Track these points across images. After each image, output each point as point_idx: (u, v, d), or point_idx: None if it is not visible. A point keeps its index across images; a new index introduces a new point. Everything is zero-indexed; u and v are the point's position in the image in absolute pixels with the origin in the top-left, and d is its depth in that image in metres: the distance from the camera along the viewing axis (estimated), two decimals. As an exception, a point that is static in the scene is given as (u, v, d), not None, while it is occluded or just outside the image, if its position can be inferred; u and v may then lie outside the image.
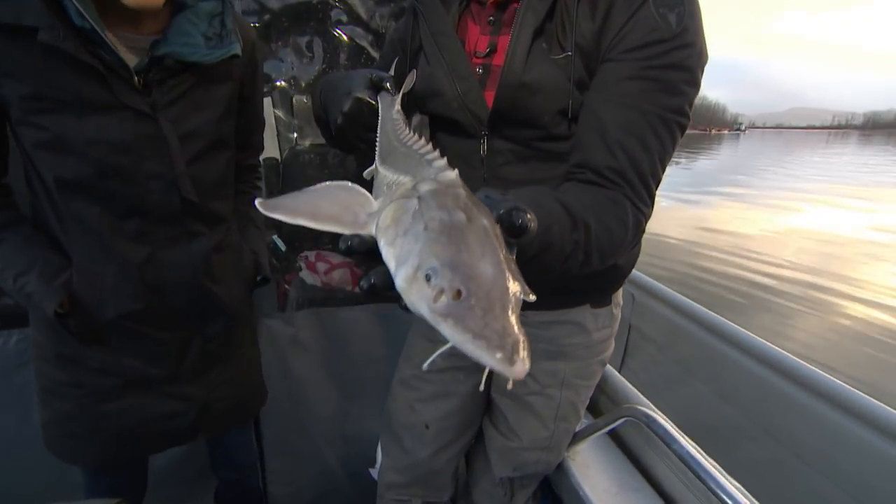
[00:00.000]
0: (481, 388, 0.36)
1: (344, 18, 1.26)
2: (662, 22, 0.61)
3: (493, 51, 0.74)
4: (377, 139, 0.63)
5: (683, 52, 0.62)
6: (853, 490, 1.08)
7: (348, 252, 0.37)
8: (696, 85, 0.65)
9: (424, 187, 0.36)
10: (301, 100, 2.32)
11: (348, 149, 0.77)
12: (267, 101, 2.52)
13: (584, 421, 1.04)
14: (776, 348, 1.29)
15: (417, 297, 0.30)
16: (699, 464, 0.72)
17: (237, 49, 0.78)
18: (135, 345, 0.85)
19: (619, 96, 0.63)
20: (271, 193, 2.03)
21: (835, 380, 1.13)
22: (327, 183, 0.45)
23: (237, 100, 0.86)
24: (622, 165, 0.63)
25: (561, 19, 0.67)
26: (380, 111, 0.67)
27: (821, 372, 1.17)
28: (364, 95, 0.66)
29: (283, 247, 1.50)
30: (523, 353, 0.27)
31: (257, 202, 0.40)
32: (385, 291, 0.33)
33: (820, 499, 1.13)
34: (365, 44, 1.30)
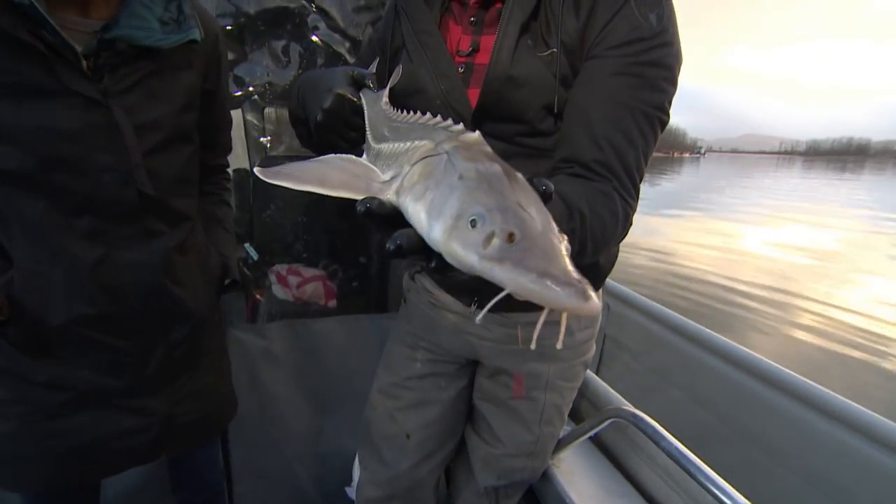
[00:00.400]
0: (531, 345, 0.32)
1: (321, 24, 1.26)
2: (644, 21, 0.63)
3: (475, 49, 0.75)
4: (367, 132, 0.63)
5: (663, 51, 0.64)
6: (828, 489, 1.09)
7: (367, 215, 0.34)
8: (674, 84, 0.67)
9: (449, 144, 0.35)
10: (272, 112, 2.30)
11: (326, 148, 0.76)
12: (236, 112, 2.50)
13: (566, 427, 1.03)
14: (751, 352, 1.31)
15: (462, 245, 0.28)
16: (689, 460, 0.71)
17: (196, 34, 0.75)
18: (88, 354, 0.78)
19: (604, 92, 0.65)
20: (241, 206, 1.97)
21: (808, 381, 1.16)
22: (331, 155, 0.44)
23: (199, 92, 0.83)
24: (609, 159, 0.64)
25: (545, 17, 0.68)
26: (364, 107, 0.66)
27: (794, 374, 1.20)
28: (346, 91, 0.65)
29: (255, 255, 1.44)
30: (591, 290, 0.26)
31: (256, 169, 0.38)
32: (411, 251, 0.32)
33: (796, 500, 1.14)
34: (342, 50, 1.30)
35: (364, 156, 0.64)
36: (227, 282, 0.96)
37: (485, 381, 0.97)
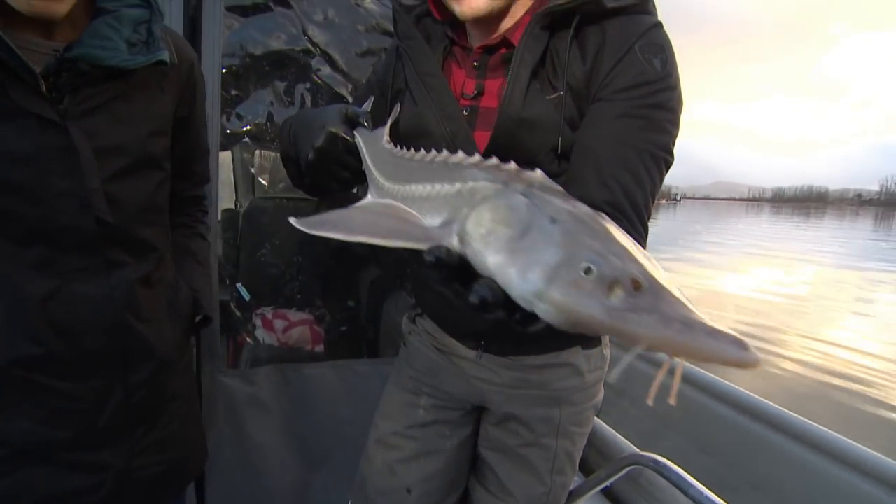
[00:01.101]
0: (613, 378, 0.30)
1: (324, 67, 1.28)
2: (649, 66, 0.65)
3: (480, 93, 0.75)
4: (371, 172, 0.61)
5: (668, 94, 0.66)
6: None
7: (437, 266, 0.32)
8: (678, 126, 0.68)
9: (521, 184, 0.33)
10: (262, 154, 2.31)
11: (317, 188, 0.74)
12: (227, 154, 2.50)
13: (575, 478, 0.97)
14: (755, 396, 1.30)
15: (577, 297, 0.25)
16: (718, 507, 0.67)
17: (165, 56, 0.72)
18: (31, 401, 0.69)
19: (612, 133, 0.66)
20: (232, 245, 1.93)
21: (816, 425, 1.14)
22: (363, 201, 0.42)
23: (171, 119, 0.80)
24: (619, 199, 0.64)
25: (552, 62, 0.70)
26: (361, 147, 0.65)
27: (801, 418, 1.18)
28: (339, 130, 0.64)
29: (247, 296, 1.39)
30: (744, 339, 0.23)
31: (293, 220, 0.34)
32: (497, 305, 0.28)
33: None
34: (344, 92, 1.32)
35: (370, 197, 0.61)
36: (198, 319, 0.90)
37: (491, 427, 0.92)
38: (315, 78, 1.29)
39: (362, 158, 0.65)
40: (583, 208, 0.30)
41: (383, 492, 0.91)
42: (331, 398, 1.35)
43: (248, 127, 1.33)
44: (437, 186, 0.41)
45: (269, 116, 1.29)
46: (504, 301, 0.28)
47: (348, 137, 0.64)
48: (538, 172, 0.35)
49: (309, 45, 1.26)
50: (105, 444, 0.75)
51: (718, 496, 0.72)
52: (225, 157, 2.47)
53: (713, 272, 10.10)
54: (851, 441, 1.08)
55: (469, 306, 0.29)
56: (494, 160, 0.40)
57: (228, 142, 1.30)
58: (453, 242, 0.33)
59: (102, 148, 0.69)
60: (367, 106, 0.81)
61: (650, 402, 0.27)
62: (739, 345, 0.23)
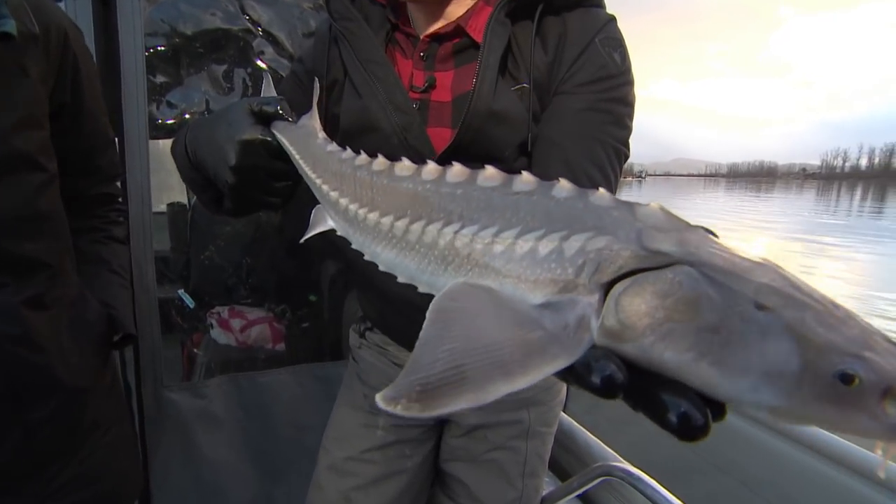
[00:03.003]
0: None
1: (268, 50, 1.16)
2: (609, 60, 0.64)
3: (431, 86, 0.69)
4: (321, 188, 0.48)
5: (627, 89, 0.65)
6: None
7: (611, 389, 0.23)
8: (632, 120, 0.67)
9: (667, 243, 0.24)
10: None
11: (245, 211, 0.60)
12: (170, 142, 2.31)
13: (546, 480, 0.95)
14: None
15: (841, 412, 0.20)
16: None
17: (10, 26, 0.58)
18: None
19: (577, 128, 0.64)
20: (177, 247, 1.78)
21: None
22: (437, 305, 0.27)
23: (45, 105, 0.66)
24: None
25: (513, 54, 0.66)
26: (287, 148, 0.52)
27: None
28: (255, 135, 0.51)
29: (191, 303, 1.28)
30: None
31: (383, 403, 0.22)
32: (707, 424, 0.21)
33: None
34: (291, 76, 1.20)
35: (329, 221, 0.49)
36: (116, 337, 0.79)
37: (455, 440, 0.88)
38: (257, 61, 1.17)
39: (297, 166, 0.52)
40: (769, 272, 0.23)
41: None
42: (290, 406, 1.28)
43: (187, 116, 1.20)
44: (499, 236, 0.29)
45: (207, 105, 1.16)
46: (708, 414, 0.22)
47: (268, 139, 0.52)
48: (657, 205, 0.27)
49: (249, 25, 1.13)
50: (5, 492, 0.65)
51: (688, 496, 0.70)
52: (167, 145, 2.29)
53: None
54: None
55: (656, 422, 0.22)
56: (530, 178, 0.30)
57: (161, 133, 1.16)
58: (597, 339, 0.24)
59: None
60: (268, 89, 0.68)
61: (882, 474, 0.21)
62: None
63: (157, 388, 1.10)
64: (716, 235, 0.27)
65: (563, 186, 0.29)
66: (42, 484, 0.68)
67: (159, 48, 1.07)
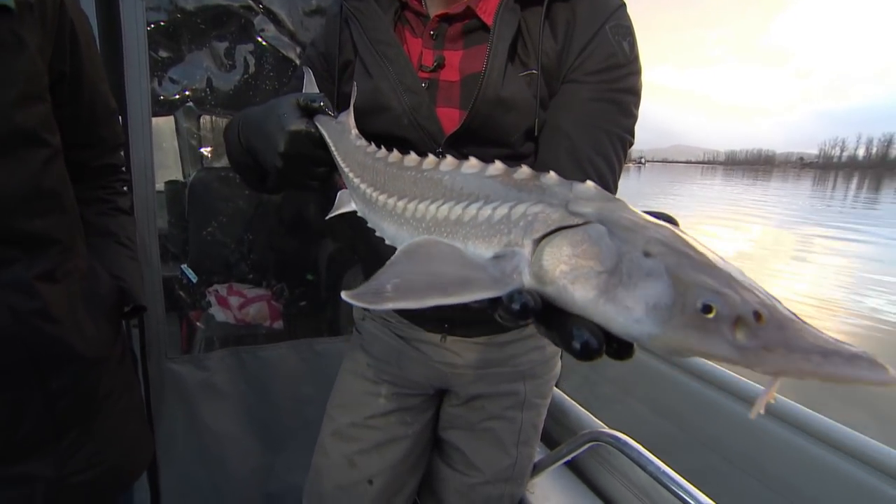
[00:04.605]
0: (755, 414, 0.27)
1: (269, 27, 1.15)
2: (618, 48, 0.64)
3: (440, 65, 0.70)
4: (348, 175, 0.56)
5: (635, 78, 0.66)
6: (781, 489, 1.14)
7: (523, 314, 0.28)
8: (638, 108, 0.69)
9: (588, 208, 0.30)
10: (209, 120, 2.13)
11: (286, 189, 0.69)
12: (169, 119, 2.29)
13: (538, 450, 0.99)
14: (707, 362, 1.36)
15: (702, 337, 0.24)
16: (676, 482, 0.69)
17: (8, 0, 0.57)
18: None
19: (584, 117, 0.65)
20: (176, 223, 1.80)
21: (760, 387, 1.20)
22: (406, 246, 0.36)
23: (45, 76, 0.65)
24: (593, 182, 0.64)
25: (523, 39, 0.67)
26: (327, 139, 0.60)
27: (747, 380, 1.25)
28: (301, 127, 0.58)
29: (194, 277, 1.30)
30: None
31: (345, 295, 0.30)
32: (601, 345, 0.27)
33: (756, 500, 1.18)
34: (292, 55, 1.19)
35: (353, 205, 0.58)
36: (126, 309, 0.80)
37: (453, 409, 0.91)
38: (258, 39, 1.17)
39: (332, 156, 0.60)
40: (665, 231, 0.28)
41: (342, 486, 0.88)
42: (290, 379, 1.31)
43: (187, 93, 1.20)
44: (468, 209, 0.37)
45: (209, 82, 1.16)
46: (605, 339, 0.27)
47: (312, 130, 0.59)
48: (590, 184, 0.33)
49: (250, 2, 1.13)
50: (29, 455, 0.68)
51: (673, 469, 0.75)
52: (168, 121, 2.28)
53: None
54: (795, 403, 1.15)
55: (565, 349, 0.28)
56: (501, 166, 0.38)
57: (163, 109, 1.16)
58: (527, 281, 0.30)
59: None
60: (310, 84, 0.74)
61: (753, 416, 0.27)
62: (878, 367, 0.23)
63: (162, 360, 1.13)
64: (676, 223, 0.31)
65: (524, 171, 0.36)
66: (60, 450, 0.71)
67: (161, 22, 1.07)
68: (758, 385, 1.21)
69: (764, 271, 7.56)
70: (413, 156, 0.46)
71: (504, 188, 0.35)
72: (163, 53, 1.10)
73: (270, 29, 1.16)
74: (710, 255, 0.27)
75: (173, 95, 1.15)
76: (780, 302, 0.25)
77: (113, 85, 0.97)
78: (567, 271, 0.28)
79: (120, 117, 0.99)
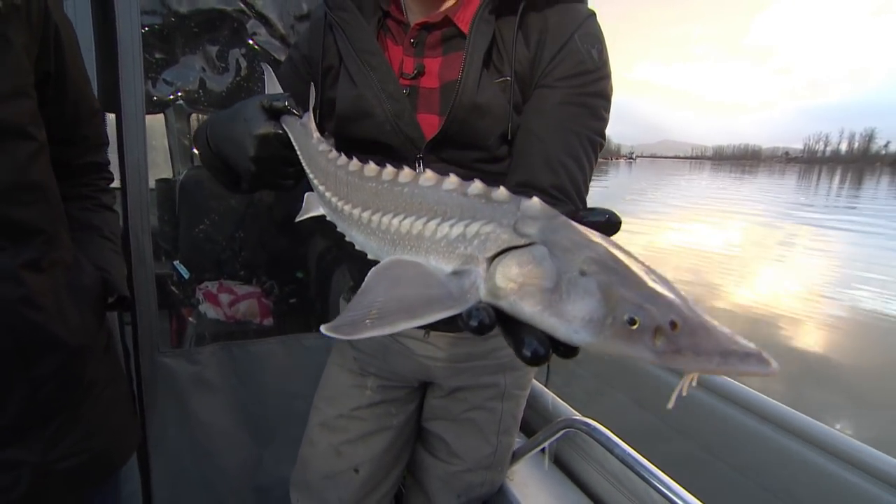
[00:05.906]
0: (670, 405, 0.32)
1: (260, 31, 1.18)
2: (587, 56, 0.68)
3: (420, 73, 0.73)
4: (315, 183, 0.59)
5: (604, 83, 0.69)
6: (755, 477, 1.20)
7: (481, 329, 0.33)
8: (609, 111, 0.72)
9: (533, 228, 0.34)
10: (199, 118, 2.14)
11: (261, 189, 0.71)
12: (159, 117, 2.30)
13: (518, 440, 1.03)
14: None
15: (629, 345, 0.29)
16: (642, 465, 0.74)
17: None
18: None
19: (555, 120, 0.68)
20: (168, 221, 1.81)
21: (738, 383, 1.27)
22: (374, 271, 0.39)
23: (31, 74, 0.68)
24: (564, 183, 0.67)
25: (497, 47, 0.70)
26: (293, 141, 0.62)
27: (725, 378, 1.31)
28: (269, 130, 0.61)
29: (186, 273, 1.33)
30: (765, 353, 0.28)
31: (325, 328, 0.34)
32: (548, 352, 0.31)
33: (730, 486, 1.24)
34: (283, 58, 1.23)
35: (321, 209, 0.60)
36: (111, 300, 0.83)
37: (436, 400, 0.95)
38: (250, 42, 1.19)
39: (298, 157, 0.62)
40: (600, 248, 0.32)
41: (328, 475, 0.91)
42: (279, 373, 1.34)
43: (180, 94, 1.23)
44: (427, 224, 0.40)
45: (202, 83, 1.19)
46: (549, 352, 0.31)
47: (279, 131, 0.61)
48: (535, 200, 0.36)
49: (242, 6, 1.16)
50: (14, 441, 0.69)
51: (641, 454, 0.79)
52: (158, 120, 2.28)
53: (653, 228, 11.18)
54: (768, 397, 1.21)
55: (517, 355, 0.32)
56: (455, 179, 0.41)
57: (156, 108, 1.19)
58: (483, 295, 0.34)
59: None
60: (271, 82, 0.76)
61: (670, 406, 0.31)
62: (764, 362, 0.27)
63: (154, 354, 1.15)
64: (619, 222, 0.38)
65: (476, 185, 0.39)
66: (45, 437, 0.72)
67: (155, 25, 1.10)
68: (733, 382, 1.28)
69: (746, 271, 7.75)
70: (372, 165, 0.49)
71: (459, 203, 0.39)
72: (158, 55, 1.12)
73: (262, 32, 1.18)
74: (638, 271, 0.31)
75: (167, 96, 1.17)
76: (699, 309, 0.30)
77: (108, 85, 1.00)
78: (516, 289, 0.32)
79: (112, 117, 1.02)
